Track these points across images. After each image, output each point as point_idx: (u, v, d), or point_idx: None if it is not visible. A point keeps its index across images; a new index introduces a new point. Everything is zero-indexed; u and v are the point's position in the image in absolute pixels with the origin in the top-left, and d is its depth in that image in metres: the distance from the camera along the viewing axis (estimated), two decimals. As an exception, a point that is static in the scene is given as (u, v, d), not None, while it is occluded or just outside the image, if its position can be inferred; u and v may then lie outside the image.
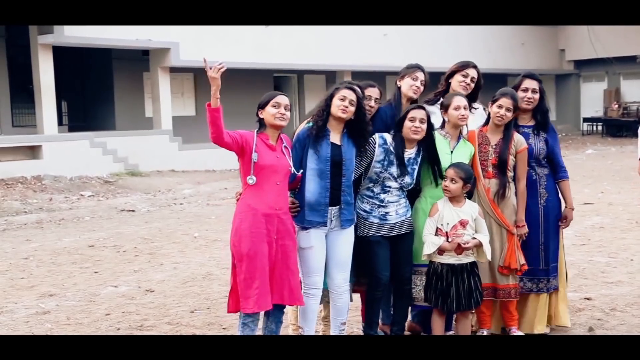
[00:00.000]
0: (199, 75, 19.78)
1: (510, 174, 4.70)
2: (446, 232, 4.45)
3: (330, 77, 22.72)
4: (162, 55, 17.65)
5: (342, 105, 4.32)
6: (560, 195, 4.94)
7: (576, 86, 29.76)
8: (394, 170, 4.46)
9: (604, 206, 10.73)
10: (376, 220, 4.49)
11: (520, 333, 4.75)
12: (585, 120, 28.37)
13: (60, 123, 17.55)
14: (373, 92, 4.75)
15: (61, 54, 17.26)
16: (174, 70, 18.36)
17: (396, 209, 4.51)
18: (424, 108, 4.54)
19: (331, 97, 4.36)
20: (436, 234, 4.47)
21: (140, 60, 18.69)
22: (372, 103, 4.71)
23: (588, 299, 5.80)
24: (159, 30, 16.67)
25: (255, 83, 19.63)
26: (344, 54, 20.56)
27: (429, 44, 22.27)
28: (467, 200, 4.53)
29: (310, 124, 4.42)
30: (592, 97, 28.96)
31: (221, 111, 4.01)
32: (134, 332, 5.38)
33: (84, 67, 20.03)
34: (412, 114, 4.47)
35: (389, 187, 4.49)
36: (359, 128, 4.41)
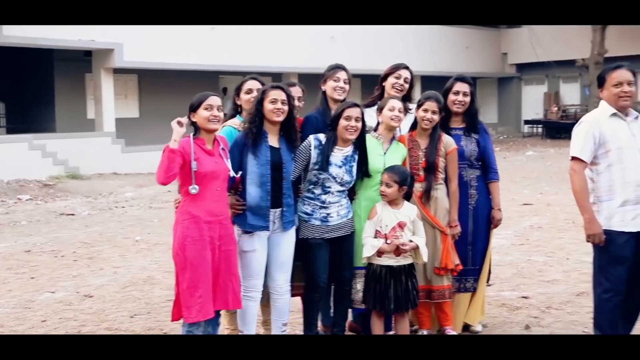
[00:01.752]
0: (143, 76, 19.51)
1: (441, 175, 4.76)
2: (385, 234, 4.47)
3: (277, 78, 22.64)
4: (105, 56, 17.33)
5: (275, 108, 4.28)
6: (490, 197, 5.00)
7: (518, 89, 30.47)
8: (333, 170, 4.45)
9: (543, 207, 11.00)
10: (317, 223, 4.47)
11: (455, 332, 4.81)
12: (526, 122, 29.10)
13: (-3, 125, 17.09)
14: (296, 91, 4.70)
15: (0, 54, 16.77)
16: (117, 71, 18.05)
17: (337, 210, 4.50)
18: (358, 106, 4.52)
19: (261, 100, 4.30)
20: (375, 237, 4.48)
21: (82, 60, 18.30)
22: (297, 102, 4.63)
23: (525, 297, 5.93)
24: (103, 30, 16.34)
25: (200, 84, 19.35)
26: (290, 56, 20.56)
27: (375, 47, 22.47)
28: (405, 202, 4.55)
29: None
30: (532, 100, 29.70)
31: (178, 152, 3.91)
32: (71, 338, 5.25)
33: (24, 68, 19.53)
34: (347, 112, 4.44)
35: (329, 187, 4.48)
36: (288, 129, 4.37)
